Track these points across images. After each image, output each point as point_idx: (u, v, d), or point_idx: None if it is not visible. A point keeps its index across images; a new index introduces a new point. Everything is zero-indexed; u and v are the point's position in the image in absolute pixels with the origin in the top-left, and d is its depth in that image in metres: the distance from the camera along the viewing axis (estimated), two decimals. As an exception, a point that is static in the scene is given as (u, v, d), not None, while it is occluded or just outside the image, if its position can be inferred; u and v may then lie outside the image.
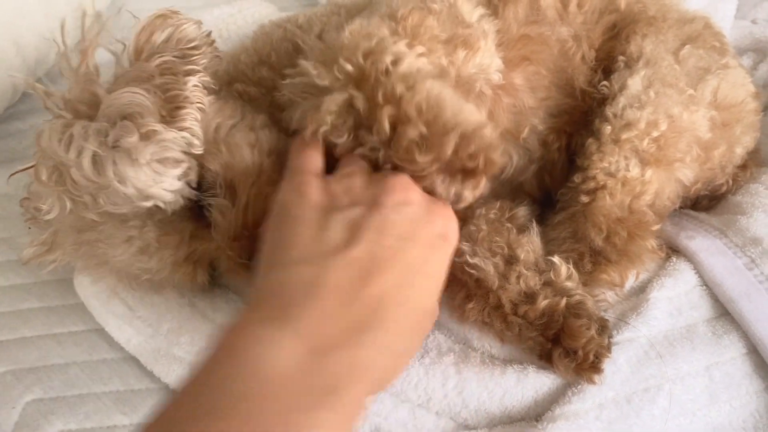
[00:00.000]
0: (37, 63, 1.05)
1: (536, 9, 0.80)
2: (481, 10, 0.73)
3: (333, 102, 0.56)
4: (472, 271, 0.67)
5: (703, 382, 0.66)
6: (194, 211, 0.65)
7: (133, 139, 0.55)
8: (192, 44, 0.66)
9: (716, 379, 0.67)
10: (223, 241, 0.63)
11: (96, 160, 0.56)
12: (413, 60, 0.58)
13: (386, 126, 0.54)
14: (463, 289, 0.68)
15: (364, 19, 0.64)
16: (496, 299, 0.66)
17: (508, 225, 0.72)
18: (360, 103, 0.55)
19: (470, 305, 0.67)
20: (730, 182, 0.85)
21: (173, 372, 0.75)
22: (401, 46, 0.59)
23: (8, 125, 1.08)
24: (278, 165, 0.68)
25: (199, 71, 0.64)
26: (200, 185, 0.64)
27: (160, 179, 0.58)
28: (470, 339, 0.69)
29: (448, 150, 0.53)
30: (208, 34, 0.71)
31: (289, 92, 0.63)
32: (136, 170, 0.56)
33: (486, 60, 0.69)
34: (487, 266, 0.66)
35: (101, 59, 0.64)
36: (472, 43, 0.67)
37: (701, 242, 0.76)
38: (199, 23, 0.69)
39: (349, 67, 0.56)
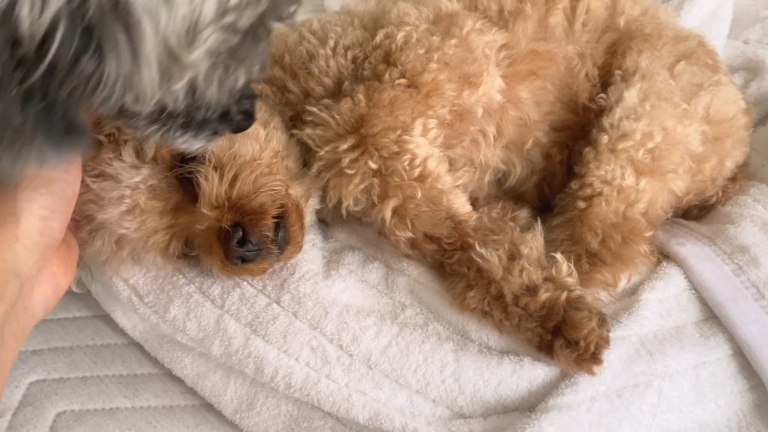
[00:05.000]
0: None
1: (545, 26, 0.83)
2: (487, 38, 0.78)
3: (358, 186, 0.71)
4: (477, 260, 0.70)
5: (691, 380, 0.69)
6: (183, 184, 0.68)
7: None
8: None
9: (703, 378, 0.69)
10: (205, 205, 0.66)
11: None
12: (424, 153, 0.72)
13: (389, 214, 0.71)
14: (463, 279, 0.71)
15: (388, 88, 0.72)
16: (498, 290, 0.68)
17: (511, 224, 0.75)
18: (376, 192, 0.71)
19: (471, 293, 0.69)
20: (720, 194, 0.89)
21: (177, 358, 0.77)
22: (417, 135, 0.72)
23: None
24: (278, 162, 0.73)
25: None
26: (190, 158, 0.67)
27: None
28: (468, 330, 0.71)
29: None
30: None
31: (306, 134, 0.74)
32: None
33: (487, 88, 0.76)
34: (492, 257, 0.69)
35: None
36: (475, 80, 0.75)
37: (691, 249, 0.78)
38: None
39: (373, 165, 0.70)
